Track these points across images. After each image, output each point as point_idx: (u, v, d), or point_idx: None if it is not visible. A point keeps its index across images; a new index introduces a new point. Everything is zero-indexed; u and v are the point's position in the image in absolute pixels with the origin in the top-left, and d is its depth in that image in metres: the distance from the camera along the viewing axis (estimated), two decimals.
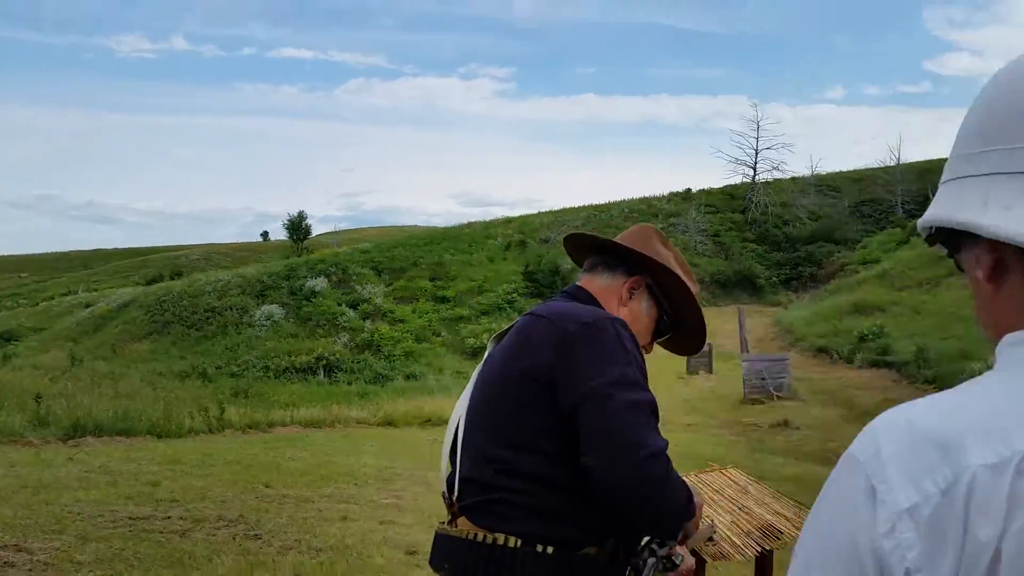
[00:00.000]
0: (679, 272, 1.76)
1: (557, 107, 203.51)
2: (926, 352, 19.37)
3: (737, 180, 53.61)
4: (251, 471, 8.32)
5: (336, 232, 67.06)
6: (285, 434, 13.06)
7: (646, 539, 1.53)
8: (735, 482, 3.07)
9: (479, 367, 1.71)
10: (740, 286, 39.36)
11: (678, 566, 1.51)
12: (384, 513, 6.53)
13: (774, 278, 40.68)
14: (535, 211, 54.56)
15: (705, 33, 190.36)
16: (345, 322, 28.58)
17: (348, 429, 14.03)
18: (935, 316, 23.12)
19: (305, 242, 55.04)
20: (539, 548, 1.40)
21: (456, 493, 1.56)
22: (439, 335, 28.26)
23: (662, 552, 1.51)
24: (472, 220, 51.79)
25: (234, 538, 5.41)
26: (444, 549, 1.55)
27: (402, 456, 10.23)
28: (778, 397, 17.21)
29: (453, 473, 1.61)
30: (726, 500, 2.90)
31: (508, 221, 49.41)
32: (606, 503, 1.41)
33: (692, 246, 43.43)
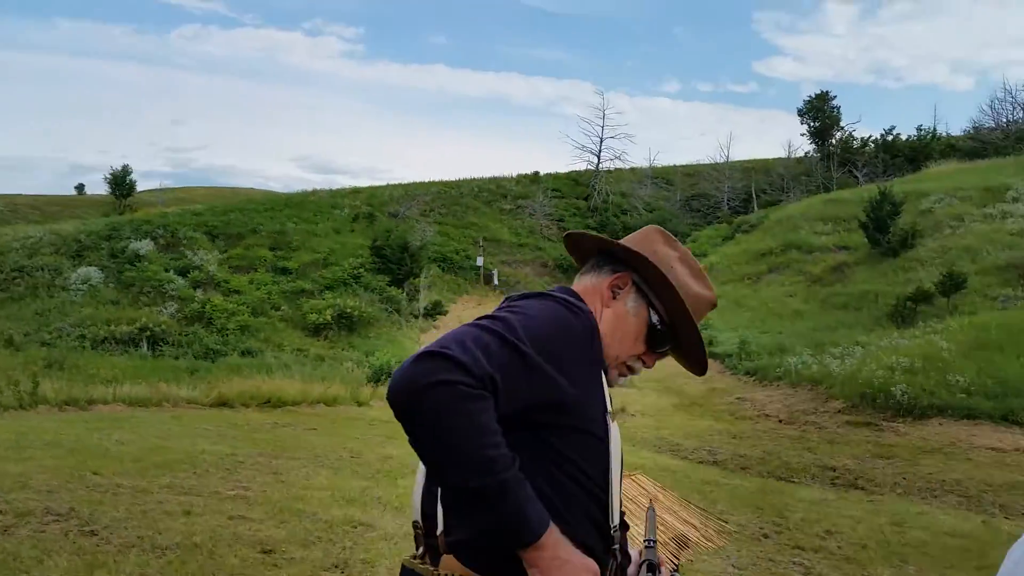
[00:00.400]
0: (680, 272, 1.59)
1: (407, 75, 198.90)
2: (748, 345, 20.87)
3: (582, 167, 55.27)
4: (76, 456, 7.68)
5: (162, 190, 62.53)
6: (108, 413, 12.15)
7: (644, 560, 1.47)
8: (645, 489, 3.13)
9: None
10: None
11: None
12: (232, 506, 6.22)
13: None
14: (382, 182, 53.73)
15: (550, 13, 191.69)
16: (173, 290, 26.80)
17: (178, 410, 13.25)
18: (755, 311, 24.99)
19: (128, 200, 51.04)
20: None
21: (441, 526, 1.43)
22: (278, 309, 27.16)
23: None
24: (315, 187, 50.16)
25: (66, 535, 4.97)
26: None
27: (243, 442, 9.80)
28: (618, 385, 18.00)
29: (432, 501, 1.47)
30: (641, 510, 2.93)
31: (356, 192, 48.20)
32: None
33: (538, 230, 44.42)
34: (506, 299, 1.49)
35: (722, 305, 26.54)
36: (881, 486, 10.19)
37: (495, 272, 38.56)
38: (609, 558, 1.44)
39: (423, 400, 1.20)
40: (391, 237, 33.47)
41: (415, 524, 1.53)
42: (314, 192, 47.95)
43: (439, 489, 1.45)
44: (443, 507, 1.43)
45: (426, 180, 52.48)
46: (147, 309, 24.43)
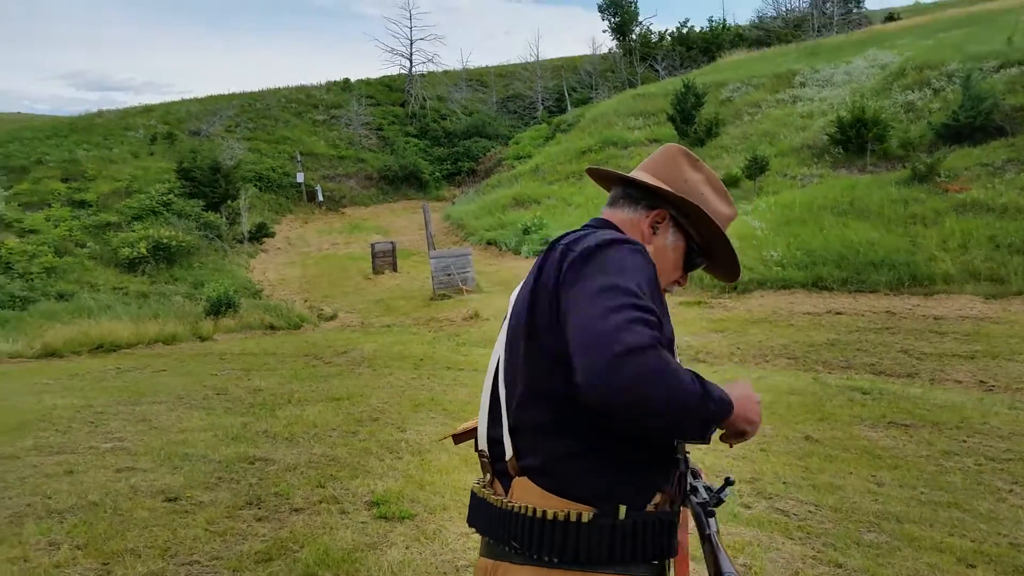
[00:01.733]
0: (709, 196, 1.68)
1: None
2: None
3: (395, 71, 53.77)
4: None
5: None
6: None
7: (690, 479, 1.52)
8: None
9: (508, 312, 1.64)
10: (407, 182, 40.14)
11: (723, 502, 1.50)
12: (114, 459, 5.88)
13: (437, 173, 42.07)
14: (166, 98, 49.53)
15: None
16: None
17: (2, 366, 12.08)
18: (583, 207, 25.94)
19: None
20: (613, 516, 1.39)
21: (511, 451, 1.49)
22: (84, 246, 24.84)
23: (702, 485, 1.51)
24: (91, 107, 45.55)
25: None
26: (504, 524, 1.46)
27: (93, 392, 9.16)
28: (466, 291, 18.23)
29: (498, 428, 1.54)
30: None
31: (148, 110, 44.22)
32: (601, 414, 1.31)
33: (357, 140, 43.07)
34: (562, 248, 1.49)
35: (552, 204, 27.39)
36: (720, 357, 11.21)
37: (319, 188, 37.24)
38: (673, 468, 1.51)
39: (651, 388, 1.25)
40: (198, 158, 31.21)
41: (480, 453, 1.59)
42: (100, 113, 43.59)
43: (506, 416, 1.52)
44: (511, 433, 1.50)
45: (225, 93, 48.96)
46: None
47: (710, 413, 1.33)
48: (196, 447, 6.26)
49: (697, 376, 1.33)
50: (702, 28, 57.09)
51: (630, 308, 1.31)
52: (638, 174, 1.71)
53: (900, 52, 29.70)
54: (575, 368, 1.28)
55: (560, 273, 1.43)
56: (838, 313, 13.15)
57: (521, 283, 1.67)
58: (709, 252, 1.73)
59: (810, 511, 4.58)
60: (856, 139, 22.24)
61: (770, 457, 5.76)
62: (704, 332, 12.83)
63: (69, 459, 5.86)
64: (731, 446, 1.53)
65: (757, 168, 22.45)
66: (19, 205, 27.90)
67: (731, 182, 22.76)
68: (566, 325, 1.35)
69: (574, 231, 1.62)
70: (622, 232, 1.59)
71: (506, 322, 1.63)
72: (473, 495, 1.59)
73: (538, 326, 1.46)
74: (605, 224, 1.66)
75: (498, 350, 1.62)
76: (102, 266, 23.73)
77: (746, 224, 17.38)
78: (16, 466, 5.64)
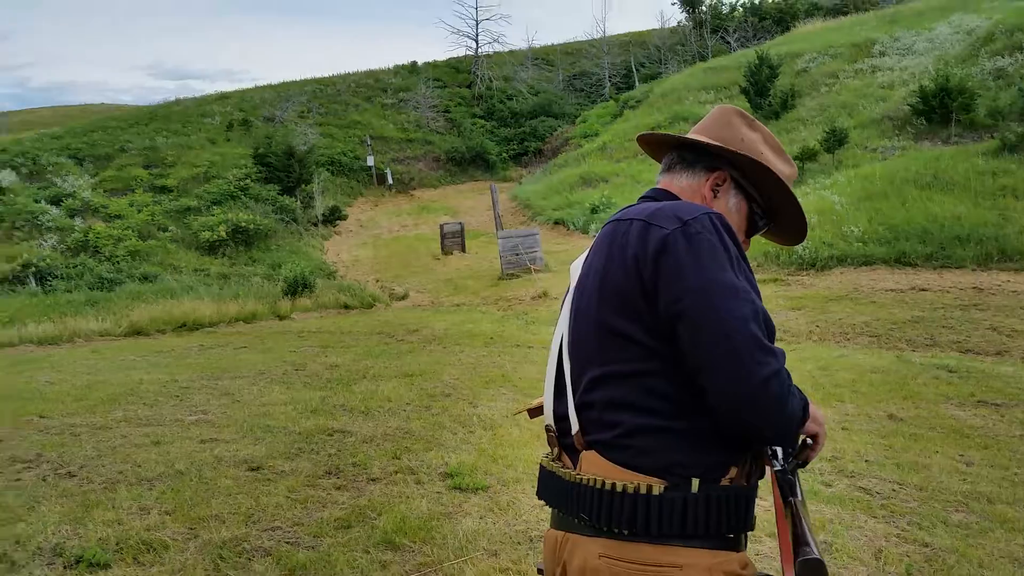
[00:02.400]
0: (769, 156, 1.61)
1: None
2: None
3: (461, 53, 53.90)
4: (10, 402, 7.32)
5: (2, 114, 57.23)
6: (18, 355, 11.50)
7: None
8: None
9: (570, 288, 1.61)
10: (474, 163, 40.27)
11: (806, 464, 1.53)
12: (199, 431, 6.10)
13: (504, 154, 42.06)
14: (241, 85, 50.84)
15: None
16: (49, 222, 24.91)
17: (93, 343, 12.66)
18: (650, 184, 25.55)
19: None
20: (685, 489, 1.36)
21: (577, 426, 1.47)
22: (166, 230, 25.71)
23: (781, 451, 1.50)
24: (169, 96, 47.14)
25: (45, 480, 4.80)
26: (573, 497, 1.44)
27: (178, 368, 9.51)
28: (535, 270, 18.24)
29: (563, 403, 1.52)
30: None
31: (224, 97, 45.45)
32: (725, 427, 1.35)
33: (425, 123, 43.37)
34: (641, 224, 1.44)
35: (620, 182, 27.10)
36: (798, 335, 10.93)
37: (388, 171, 37.72)
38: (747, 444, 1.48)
39: (784, 409, 1.34)
40: (273, 144, 31.89)
41: (547, 428, 1.57)
42: (178, 101, 45.04)
43: (571, 391, 1.50)
44: (577, 408, 1.48)
45: (297, 79, 49.93)
46: (25, 244, 22.73)
47: (803, 422, 1.42)
48: (277, 419, 6.44)
49: (801, 393, 1.40)
50: None
51: (757, 318, 1.33)
52: (693, 136, 1.64)
53: (988, 15, 28.15)
54: (709, 383, 1.31)
55: (647, 253, 1.38)
56: (922, 290, 12.66)
57: (582, 258, 1.63)
58: (772, 214, 1.67)
59: (894, 490, 4.43)
60: (940, 109, 21.25)
61: (851, 436, 5.60)
62: (782, 310, 12.52)
63: (156, 430, 6.11)
64: (806, 463, 1.55)
65: (836, 141, 21.71)
66: (104, 191, 29.07)
67: (809, 155, 22.09)
68: (679, 328, 1.34)
69: (634, 205, 1.57)
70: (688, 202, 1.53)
71: (568, 297, 1.60)
72: (542, 468, 1.59)
73: (612, 304, 1.43)
74: (665, 195, 1.60)
75: (561, 326, 1.60)
76: (183, 249, 24.56)
77: (825, 199, 16.84)
78: (108, 436, 5.91)
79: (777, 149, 1.64)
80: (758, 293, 1.41)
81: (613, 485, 1.37)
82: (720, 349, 1.29)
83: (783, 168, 1.62)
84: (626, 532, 1.36)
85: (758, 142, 1.61)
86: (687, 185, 1.61)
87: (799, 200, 1.66)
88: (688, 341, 1.32)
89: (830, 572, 3.30)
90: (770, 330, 1.36)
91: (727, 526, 1.38)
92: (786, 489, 1.42)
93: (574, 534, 1.44)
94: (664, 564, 1.35)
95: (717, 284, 1.32)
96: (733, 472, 1.41)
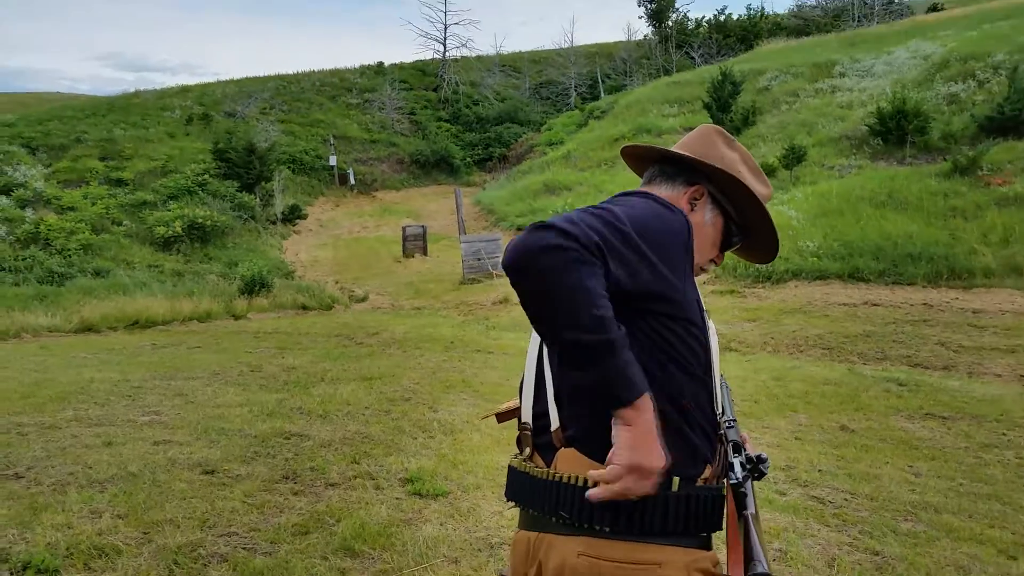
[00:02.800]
0: (746, 175, 1.66)
1: None
2: None
3: (428, 56, 53.77)
4: None
5: None
6: None
7: (730, 440, 1.52)
8: None
9: None
10: (438, 166, 40.18)
11: (765, 474, 1.49)
12: (151, 432, 5.97)
13: (468, 158, 42.06)
14: (201, 79, 50.14)
15: None
16: None
17: (40, 339, 12.33)
18: (613, 194, 25.79)
19: None
20: (666, 488, 1.36)
21: (557, 422, 1.47)
22: (121, 224, 25.18)
23: (738, 462, 1.48)
24: (128, 87, 46.31)
25: None
26: (550, 495, 1.44)
27: (129, 366, 9.31)
28: (496, 275, 18.24)
29: (543, 401, 1.52)
30: None
31: (185, 91, 44.75)
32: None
33: (390, 124, 43.17)
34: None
35: (583, 191, 27.25)
36: (752, 346, 11.11)
37: (351, 171, 37.43)
38: (717, 442, 1.51)
39: (537, 262, 1.26)
40: (233, 139, 31.46)
41: (523, 425, 1.57)
42: (137, 93, 44.20)
43: (551, 387, 1.50)
44: (557, 403, 1.48)
45: (260, 75, 49.34)
46: None
47: (607, 363, 1.27)
48: (232, 422, 6.34)
49: (626, 341, 1.29)
50: (740, 16, 56.33)
51: (585, 211, 1.35)
52: (675, 150, 1.69)
53: (943, 43, 29.03)
54: None
55: None
56: (874, 304, 12.97)
57: None
58: (746, 231, 1.71)
59: (846, 499, 4.53)
60: (896, 130, 21.82)
61: (805, 445, 5.71)
62: (737, 321, 12.72)
63: (108, 431, 5.96)
64: (762, 475, 1.48)
65: (794, 158, 22.13)
66: (58, 183, 28.38)
67: (768, 171, 22.43)
68: None
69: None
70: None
71: None
72: (512, 469, 1.58)
73: None
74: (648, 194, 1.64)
75: (536, 336, 1.60)
76: (138, 244, 24.07)
77: (782, 214, 17.16)
78: (57, 436, 5.75)
79: (755, 170, 1.69)
80: (701, 306, 1.48)
81: (589, 482, 1.37)
82: None
83: (759, 188, 1.67)
84: (608, 530, 1.37)
85: (737, 161, 1.66)
86: (666, 196, 1.63)
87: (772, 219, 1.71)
88: None
89: None
90: (594, 229, 1.31)
91: (702, 525, 1.41)
92: (740, 502, 1.42)
93: (549, 534, 1.44)
94: (643, 562, 1.36)
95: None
96: (707, 472, 1.45)
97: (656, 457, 1.29)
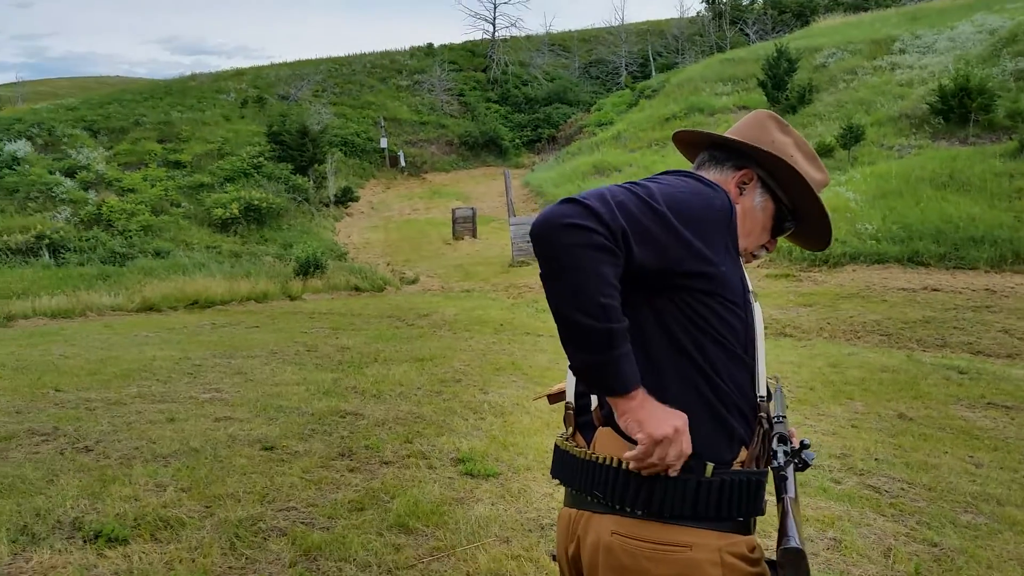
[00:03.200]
0: (799, 160, 1.64)
1: None
2: None
3: (478, 36, 53.68)
4: (26, 374, 7.38)
5: (17, 84, 57.23)
6: (32, 328, 11.61)
7: (776, 432, 1.53)
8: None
9: None
10: (487, 148, 40.19)
11: (809, 465, 1.50)
12: (213, 409, 6.16)
13: (517, 140, 41.96)
14: (256, 62, 50.85)
15: None
16: (63, 194, 25.01)
17: (104, 318, 12.77)
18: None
19: None
20: (699, 473, 1.38)
21: (596, 401, 1.48)
22: (179, 206, 25.82)
23: (782, 450, 1.51)
24: (185, 71, 47.19)
25: (62, 453, 4.85)
26: (587, 475, 1.47)
27: (190, 345, 9.59)
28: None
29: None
30: None
31: (240, 74, 45.48)
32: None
33: (439, 106, 43.28)
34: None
35: (633, 172, 26.98)
36: (808, 332, 10.93)
37: (401, 153, 37.69)
38: (756, 425, 1.51)
39: (558, 236, 1.29)
40: (287, 122, 31.94)
41: (567, 405, 1.61)
42: (194, 77, 45.06)
43: None
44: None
45: (312, 58, 49.89)
46: (39, 216, 22.85)
47: (601, 352, 1.31)
48: (290, 400, 6.50)
49: (626, 335, 1.32)
50: None
51: (621, 188, 1.36)
52: (726, 135, 1.69)
53: (1012, 16, 27.87)
54: None
55: None
56: (935, 290, 12.63)
57: None
58: (798, 217, 1.70)
59: (903, 489, 4.46)
60: (959, 109, 21.08)
61: (861, 433, 5.62)
62: (792, 306, 12.52)
63: (171, 407, 6.17)
64: (806, 465, 1.51)
65: (852, 137, 21.57)
66: (118, 165, 29.19)
67: (824, 151, 21.95)
68: None
69: None
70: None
71: None
72: (556, 448, 1.61)
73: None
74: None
75: None
76: (196, 225, 24.65)
77: (839, 195, 16.77)
78: (123, 412, 5.97)
79: (809, 155, 1.67)
80: (744, 285, 1.49)
81: (628, 464, 1.39)
82: None
83: (814, 174, 1.65)
84: (640, 512, 1.39)
85: (789, 146, 1.65)
86: (714, 180, 1.62)
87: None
88: None
89: (839, 570, 3.34)
90: (625, 211, 1.32)
91: (738, 510, 1.41)
92: (780, 486, 1.45)
93: (587, 512, 1.47)
94: (674, 544, 1.37)
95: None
96: (743, 455, 1.45)
97: (666, 422, 1.34)
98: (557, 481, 1.60)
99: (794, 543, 1.31)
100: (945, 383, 7.18)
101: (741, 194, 1.62)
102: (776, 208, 1.66)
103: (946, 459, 5.00)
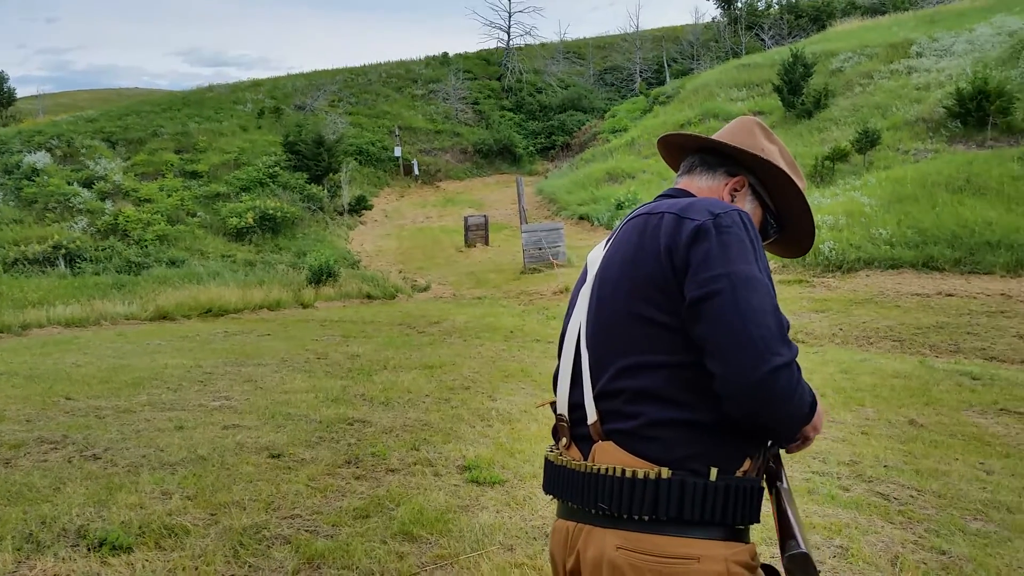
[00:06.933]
0: (785, 168, 1.63)
1: None
2: None
3: (492, 45, 53.85)
4: (38, 383, 7.45)
5: (41, 96, 57.92)
6: (46, 337, 11.72)
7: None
8: None
9: (589, 278, 1.61)
10: (501, 156, 40.25)
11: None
12: (221, 417, 6.19)
13: (531, 147, 41.99)
14: (276, 73, 51.21)
15: None
16: (81, 204, 25.27)
17: (119, 327, 12.87)
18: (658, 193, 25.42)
19: (9, 109, 47.13)
20: (704, 477, 1.37)
21: (595, 415, 1.47)
22: (195, 215, 26.03)
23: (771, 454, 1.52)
24: (204, 82, 47.57)
25: (69, 461, 4.89)
26: (590, 488, 1.44)
27: (202, 353, 9.64)
28: (557, 265, 18.21)
29: (579, 392, 1.52)
30: None
31: (257, 84, 45.80)
32: (730, 413, 1.35)
33: (453, 114, 43.40)
34: (673, 216, 1.46)
35: (647, 179, 26.96)
36: (821, 338, 10.85)
37: (415, 162, 37.83)
38: (763, 439, 1.50)
39: (790, 404, 1.32)
40: (303, 132, 32.15)
41: (560, 417, 1.57)
42: (211, 88, 45.40)
43: (588, 379, 1.50)
44: (598, 396, 1.47)
45: (329, 68, 50.20)
46: (56, 226, 23.10)
47: (808, 419, 1.39)
48: (298, 407, 6.52)
49: (810, 392, 1.38)
50: None
51: (775, 313, 1.34)
52: (716, 139, 1.67)
53: None
54: (719, 368, 1.32)
55: (679, 243, 1.40)
56: (949, 295, 12.49)
57: (600, 248, 1.65)
58: (782, 224, 1.71)
59: (912, 496, 4.40)
60: (976, 112, 20.88)
61: (871, 440, 5.56)
62: (805, 312, 12.43)
63: (180, 415, 6.21)
64: (790, 452, 1.56)
65: (868, 142, 21.43)
66: (136, 175, 29.46)
67: (840, 156, 21.85)
68: (700, 313, 1.35)
69: (657, 201, 1.59)
70: (717, 202, 1.52)
71: (587, 287, 1.60)
72: (549, 462, 1.58)
73: (645, 294, 1.43)
74: (684, 194, 1.60)
75: (578, 315, 1.60)
76: (211, 235, 24.83)
77: (854, 200, 16.65)
78: (132, 420, 6.01)
79: (791, 164, 1.67)
80: (774, 291, 1.45)
81: (634, 473, 1.38)
82: (737, 337, 1.30)
83: (798, 182, 1.66)
84: (647, 518, 1.37)
85: (775, 154, 1.65)
86: (707, 187, 1.63)
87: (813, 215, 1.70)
88: (707, 327, 1.34)
89: None
90: (784, 327, 1.37)
91: (740, 517, 1.40)
92: (771, 472, 1.45)
93: (588, 525, 1.45)
94: (681, 556, 1.36)
95: (742, 275, 1.35)
96: (747, 464, 1.43)
97: (822, 414, 1.47)
98: (551, 497, 1.57)
99: (800, 548, 1.29)
100: (957, 389, 7.10)
101: (733, 201, 1.61)
102: (763, 215, 1.67)
103: (957, 466, 4.94)
